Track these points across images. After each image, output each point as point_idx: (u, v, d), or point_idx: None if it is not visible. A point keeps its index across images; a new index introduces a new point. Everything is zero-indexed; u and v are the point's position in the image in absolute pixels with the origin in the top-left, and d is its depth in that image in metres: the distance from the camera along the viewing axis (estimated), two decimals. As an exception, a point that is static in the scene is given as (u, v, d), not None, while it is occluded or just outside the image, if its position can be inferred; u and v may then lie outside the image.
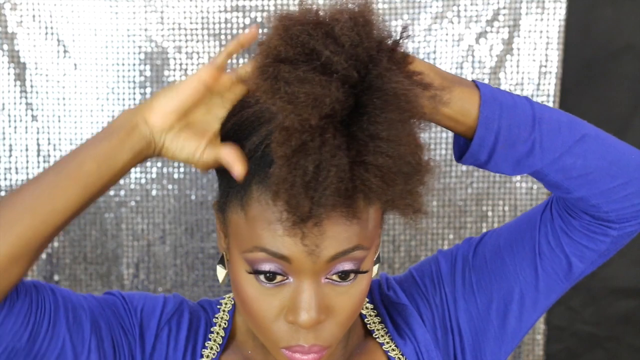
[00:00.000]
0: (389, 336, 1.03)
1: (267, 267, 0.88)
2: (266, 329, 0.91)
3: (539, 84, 2.29)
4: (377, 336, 1.04)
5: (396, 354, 1.02)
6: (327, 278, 0.89)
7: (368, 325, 1.05)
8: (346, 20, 0.83)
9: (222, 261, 1.00)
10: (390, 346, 1.03)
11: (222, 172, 0.92)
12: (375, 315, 1.05)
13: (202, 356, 1.02)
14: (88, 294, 1.02)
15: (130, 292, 1.05)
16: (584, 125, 0.94)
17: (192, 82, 0.88)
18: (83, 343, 0.96)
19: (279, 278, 0.88)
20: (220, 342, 1.02)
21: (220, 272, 1.00)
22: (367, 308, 1.06)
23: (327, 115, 0.80)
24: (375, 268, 0.98)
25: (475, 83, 0.92)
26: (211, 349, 1.02)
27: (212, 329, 1.03)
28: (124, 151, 0.89)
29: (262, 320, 0.91)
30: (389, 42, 0.85)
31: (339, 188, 0.81)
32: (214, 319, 1.04)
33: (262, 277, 0.89)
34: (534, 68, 2.28)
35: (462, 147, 0.94)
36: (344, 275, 0.89)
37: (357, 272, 0.89)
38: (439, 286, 1.04)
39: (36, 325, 0.92)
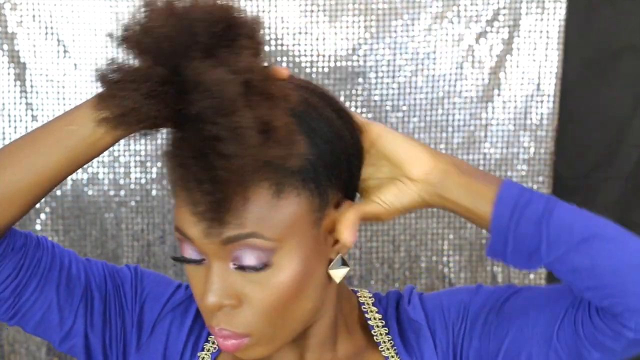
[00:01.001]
0: (394, 350, 1.03)
1: (187, 250, 0.91)
2: (200, 308, 0.94)
3: (539, 84, 2.29)
4: (382, 349, 1.03)
5: None
6: (235, 264, 0.90)
7: (375, 338, 1.04)
8: (162, 16, 0.86)
9: None
10: None
11: None
12: (383, 326, 1.04)
13: (202, 349, 1.03)
14: (102, 261, 1.06)
15: (150, 271, 1.08)
16: (600, 225, 0.93)
17: None
18: (70, 308, 1.00)
19: (202, 259, 0.91)
20: None
21: None
22: (375, 319, 1.05)
23: (139, 122, 0.86)
24: (341, 272, 0.96)
25: (504, 180, 0.94)
26: (213, 343, 1.03)
27: None
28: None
29: (196, 298, 0.94)
30: (211, 32, 0.85)
31: (201, 181, 0.84)
32: None
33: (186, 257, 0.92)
34: (534, 68, 2.28)
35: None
36: (248, 262, 0.90)
37: (262, 267, 0.89)
38: (463, 319, 1.03)
39: (23, 281, 0.96)
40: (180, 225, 0.90)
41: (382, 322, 1.04)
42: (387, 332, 1.04)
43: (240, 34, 0.86)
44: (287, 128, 0.85)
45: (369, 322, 1.04)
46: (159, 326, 1.04)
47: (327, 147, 0.91)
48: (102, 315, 1.02)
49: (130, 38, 0.87)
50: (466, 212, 0.93)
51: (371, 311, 1.05)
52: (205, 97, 0.82)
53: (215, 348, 1.03)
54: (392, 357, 1.02)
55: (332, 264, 0.96)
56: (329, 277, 0.96)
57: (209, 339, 1.03)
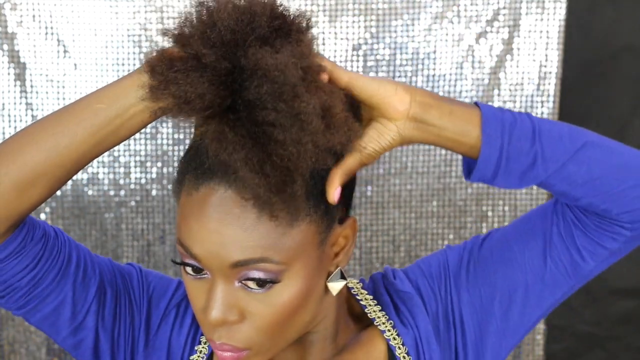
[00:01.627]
0: (390, 324, 1.04)
1: (187, 260, 0.92)
2: (197, 318, 0.95)
3: (539, 84, 2.29)
4: (378, 324, 1.04)
5: (397, 343, 1.03)
6: (240, 282, 0.91)
7: (369, 314, 1.06)
8: (225, 10, 0.86)
9: None
10: (392, 334, 1.04)
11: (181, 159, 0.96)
12: (376, 304, 1.06)
13: (200, 342, 1.05)
14: (108, 258, 1.06)
15: (150, 270, 1.09)
16: (586, 133, 0.95)
17: None
18: (84, 303, 1.00)
19: (203, 272, 0.92)
20: None
21: None
22: (366, 299, 1.07)
23: (206, 109, 0.85)
24: (338, 284, 0.98)
25: (476, 104, 0.95)
26: None
27: None
28: (133, 95, 0.90)
29: (194, 308, 0.95)
30: (269, 25, 0.86)
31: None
32: None
33: (188, 268, 0.93)
34: (534, 68, 2.28)
35: (470, 166, 0.97)
36: (261, 283, 0.90)
37: (266, 281, 0.90)
38: (445, 279, 1.05)
39: (42, 273, 0.96)
40: (185, 241, 0.91)
41: (373, 302, 1.06)
42: (380, 308, 1.06)
43: (294, 29, 0.88)
44: (345, 115, 0.87)
45: (361, 302, 1.07)
46: (164, 322, 1.05)
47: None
48: (113, 312, 1.03)
49: (192, 31, 0.88)
50: (451, 140, 0.93)
51: (361, 293, 1.07)
52: (264, 82, 0.83)
53: None
54: (389, 330, 1.04)
55: (331, 276, 0.97)
56: (326, 288, 0.98)
57: None
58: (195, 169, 0.90)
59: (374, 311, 1.06)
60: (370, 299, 1.07)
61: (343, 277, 0.98)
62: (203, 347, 1.04)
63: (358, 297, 1.07)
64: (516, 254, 1.02)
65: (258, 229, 0.88)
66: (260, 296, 0.91)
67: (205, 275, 0.92)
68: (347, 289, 1.07)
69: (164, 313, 1.06)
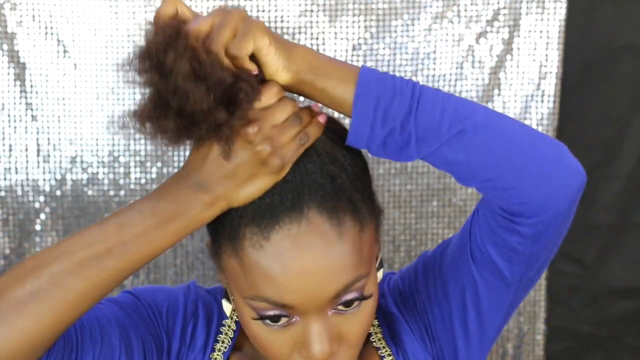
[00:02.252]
0: (385, 341, 1.04)
1: (271, 312, 0.88)
2: None
3: (539, 84, 2.29)
4: (373, 340, 1.04)
5: None
6: (333, 309, 0.89)
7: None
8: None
9: (226, 295, 1.00)
10: (387, 351, 1.03)
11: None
12: (375, 318, 1.05)
13: (213, 350, 1.02)
14: (109, 299, 1.00)
15: (147, 288, 1.04)
16: (472, 114, 0.88)
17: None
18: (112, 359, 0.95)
19: (284, 319, 0.89)
20: (232, 336, 1.03)
21: (227, 307, 1.00)
22: None
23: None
24: (380, 273, 0.98)
25: (359, 70, 0.89)
26: (222, 342, 1.02)
27: (224, 322, 1.03)
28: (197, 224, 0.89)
29: (275, 356, 0.92)
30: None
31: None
32: (231, 319, 1.04)
33: (268, 320, 0.89)
34: (534, 68, 2.28)
35: None
36: (346, 304, 0.89)
37: (361, 299, 0.90)
38: (417, 295, 1.05)
39: (68, 356, 0.91)
40: (270, 296, 0.87)
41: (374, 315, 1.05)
42: (377, 324, 1.05)
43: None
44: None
45: None
46: (182, 342, 1.02)
47: (367, 168, 0.93)
48: (142, 353, 0.98)
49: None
50: (328, 105, 0.89)
51: None
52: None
53: (226, 347, 1.02)
54: (384, 347, 1.03)
55: (376, 267, 0.97)
56: None
57: (218, 338, 1.03)
58: (254, 219, 0.86)
59: (372, 326, 1.05)
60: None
61: (382, 263, 0.99)
62: (218, 355, 1.02)
63: None
64: (460, 271, 1.00)
65: (344, 249, 0.86)
66: (353, 314, 0.90)
67: (294, 320, 0.89)
68: None
69: (181, 335, 1.02)
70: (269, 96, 0.86)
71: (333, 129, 0.94)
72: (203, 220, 0.88)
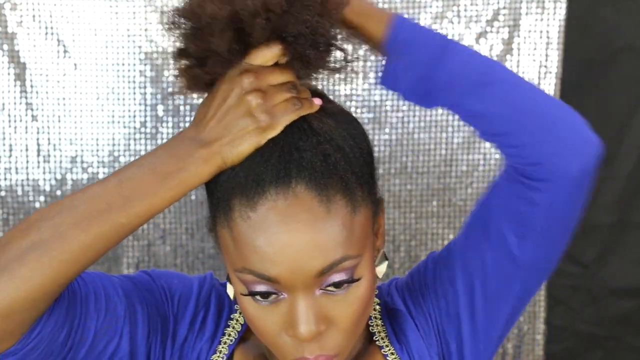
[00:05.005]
0: (388, 340, 1.03)
1: (259, 287, 0.89)
2: (273, 343, 0.92)
3: (539, 84, 2.29)
4: (377, 339, 1.04)
5: (394, 358, 1.02)
6: (321, 289, 0.89)
7: (370, 328, 1.05)
8: None
9: (229, 278, 1.00)
10: (390, 349, 1.03)
11: (208, 189, 0.93)
12: (379, 318, 1.05)
13: (220, 343, 1.03)
14: (124, 275, 1.02)
15: (164, 272, 1.05)
16: (496, 71, 0.92)
17: None
18: (115, 330, 0.96)
19: (273, 296, 0.89)
20: (239, 330, 1.03)
21: (230, 290, 1.00)
22: (375, 310, 1.06)
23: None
24: (383, 267, 0.98)
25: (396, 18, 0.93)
26: (229, 335, 1.03)
27: (232, 316, 1.04)
28: (197, 179, 0.90)
29: (267, 336, 0.92)
30: None
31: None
32: (235, 306, 1.05)
33: (257, 296, 0.90)
34: (534, 68, 2.28)
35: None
36: (336, 284, 0.89)
37: (350, 281, 0.90)
38: (427, 292, 1.04)
39: (71, 323, 0.92)
40: (256, 267, 0.88)
41: (379, 314, 1.05)
42: (382, 323, 1.05)
43: None
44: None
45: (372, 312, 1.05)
46: (190, 333, 1.03)
47: (370, 156, 0.94)
48: (146, 328, 0.99)
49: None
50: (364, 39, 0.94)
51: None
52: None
53: (232, 340, 1.03)
54: (387, 346, 1.03)
55: (377, 260, 0.97)
56: None
57: (226, 331, 1.03)
58: (244, 190, 0.88)
59: (377, 325, 1.05)
60: (378, 311, 1.06)
61: (385, 257, 0.98)
62: (223, 347, 1.02)
63: None
64: (468, 255, 1.00)
65: (331, 226, 0.87)
66: (341, 297, 0.90)
67: (281, 297, 0.89)
68: None
69: (190, 322, 1.03)
70: (269, 55, 0.89)
71: (335, 111, 0.95)
72: (200, 177, 0.89)
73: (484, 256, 0.98)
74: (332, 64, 0.93)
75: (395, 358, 1.02)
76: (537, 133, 0.90)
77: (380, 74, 0.93)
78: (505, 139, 0.92)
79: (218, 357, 1.02)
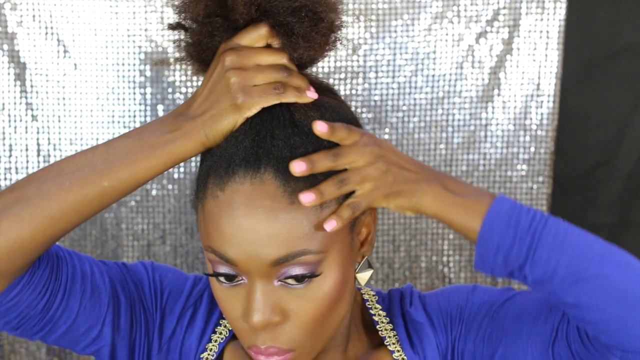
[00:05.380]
0: (400, 345, 1.03)
1: (222, 269, 0.89)
2: (234, 327, 0.93)
3: (539, 84, 2.29)
4: (388, 344, 1.03)
5: None
6: (280, 281, 0.89)
7: (380, 333, 1.04)
8: None
9: None
10: (401, 354, 1.02)
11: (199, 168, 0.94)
12: (388, 323, 1.04)
13: (210, 341, 1.03)
14: (120, 262, 1.03)
15: (161, 266, 1.06)
16: (586, 269, 0.88)
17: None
18: (98, 317, 0.97)
19: (236, 279, 0.90)
20: (230, 328, 1.03)
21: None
22: (379, 315, 1.05)
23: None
24: (367, 274, 0.97)
25: (493, 198, 0.90)
26: (220, 333, 1.03)
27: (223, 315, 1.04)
28: (183, 153, 0.91)
29: (230, 319, 0.93)
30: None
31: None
32: None
33: (221, 278, 0.90)
34: (534, 68, 2.28)
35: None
36: (299, 278, 0.89)
37: (310, 276, 0.89)
38: (459, 322, 1.03)
39: (52, 295, 0.94)
40: (217, 247, 0.89)
41: (386, 319, 1.04)
42: (392, 327, 1.04)
43: None
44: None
45: (374, 317, 1.04)
46: (179, 326, 1.03)
47: None
48: (129, 320, 1.00)
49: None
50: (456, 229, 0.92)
51: (375, 308, 1.05)
52: None
53: (222, 338, 1.03)
54: (398, 351, 1.02)
55: (359, 266, 0.96)
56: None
57: (216, 329, 1.03)
58: (217, 169, 0.89)
59: (386, 329, 1.04)
60: (384, 316, 1.05)
61: (370, 266, 0.97)
62: (213, 345, 1.03)
63: (371, 312, 1.05)
64: (523, 333, 0.99)
65: (293, 218, 0.87)
66: (301, 292, 0.89)
67: (241, 281, 0.90)
68: (361, 298, 1.06)
69: (179, 317, 1.03)
70: (255, 35, 0.90)
71: (328, 108, 0.94)
72: (184, 151, 0.90)
73: (545, 352, 0.97)
74: (325, 43, 0.92)
75: None
76: (630, 321, 0.88)
77: (475, 259, 0.91)
78: (597, 327, 0.90)
79: (208, 354, 1.02)
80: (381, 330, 1.04)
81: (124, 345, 1.00)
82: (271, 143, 0.88)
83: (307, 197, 0.86)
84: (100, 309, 0.97)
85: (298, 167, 0.86)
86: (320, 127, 0.87)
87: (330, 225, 0.87)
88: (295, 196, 0.86)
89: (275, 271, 0.88)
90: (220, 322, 1.03)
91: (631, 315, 0.88)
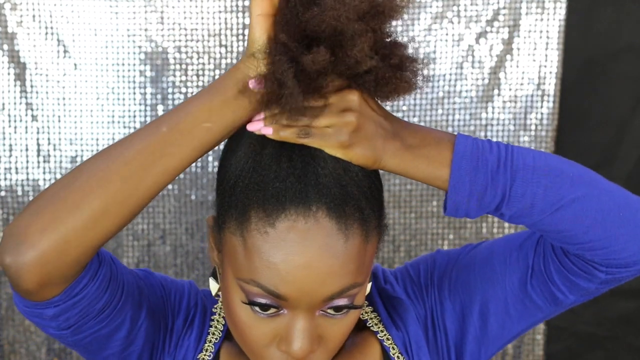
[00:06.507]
0: (382, 325, 1.04)
1: (261, 300, 0.89)
2: (258, 354, 0.93)
3: (539, 84, 2.29)
4: (370, 325, 1.04)
5: (390, 343, 1.03)
6: (322, 311, 0.90)
7: (361, 316, 1.05)
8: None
9: (214, 274, 1.01)
10: (385, 334, 1.04)
11: (220, 187, 0.93)
12: (367, 305, 1.06)
13: (205, 341, 1.03)
14: (141, 271, 1.02)
15: (160, 275, 1.06)
16: (562, 197, 0.90)
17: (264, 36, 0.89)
18: (137, 322, 0.97)
19: (272, 310, 0.90)
20: (222, 329, 1.04)
21: (214, 287, 1.00)
22: None
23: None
24: (368, 287, 0.99)
25: (454, 141, 0.91)
26: (213, 334, 1.04)
27: (212, 317, 1.05)
28: (241, 109, 0.88)
29: (254, 346, 0.92)
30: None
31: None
32: (212, 309, 1.06)
33: (257, 307, 0.90)
34: (534, 68, 2.28)
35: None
36: (336, 309, 0.90)
37: (351, 307, 0.90)
38: (430, 286, 1.05)
39: (112, 295, 0.92)
40: (266, 283, 0.87)
41: (365, 302, 1.05)
42: (372, 309, 1.06)
43: None
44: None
45: None
46: (184, 334, 1.03)
47: (380, 185, 0.94)
48: (156, 326, 1.00)
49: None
50: (420, 179, 0.92)
51: None
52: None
53: (217, 339, 1.03)
54: (382, 330, 1.04)
55: None
56: None
57: (209, 330, 1.04)
58: (261, 203, 0.87)
59: (366, 312, 1.06)
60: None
61: (370, 278, 0.99)
62: (209, 345, 1.03)
63: None
64: (497, 274, 1.01)
65: (347, 254, 0.87)
66: (337, 320, 0.91)
67: (281, 312, 0.90)
68: None
69: (184, 320, 1.04)
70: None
71: None
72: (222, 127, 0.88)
73: (523, 288, 1.00)
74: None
75: (391, 343, 1.03)
76: (615, 240, 0.92)
77: (443, 206, 0.93)
78: (579, 246, 0.93)
79: (204, 355, 1.03)
80: (362, 314, 1.05)
81: (147, 350, 1.01)
82: (316, 180, 0.87)
83: (260, 128, 0.87)
84: (141, 315, 0.97)
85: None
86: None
87: (255, 126, 0.88)
88: (349, 232, 0.87)
89: (324, 304, 0.89)
90: (211, 324, 1.04)
91: (612, 231, 0.91)
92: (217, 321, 1.05)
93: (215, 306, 1.06)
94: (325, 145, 0.88)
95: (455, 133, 0.93)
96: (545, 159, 0.91)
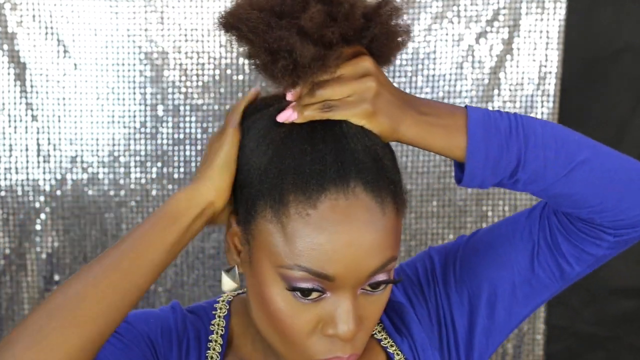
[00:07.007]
0: (386, 332, 1.04)
1: (305, 284, 0.88)
2: (300, 343, 0.91)
3: (539, 84, 2.29)
4: (373, 333, 1.04)
5: (394, 350, 1.03)
6: (362, 289, 0.90)
7: None
8: None
9: (228, 271, 0.98)
10: (389, 342, 1.03)
11: (245, 180, 0.92)
12: None
13: (206, 358, 1.00)
14: (115, 339, 0.99)
15: (138, 315, 1.02)
16: (573, 157, 0.94)
17: (233, 151, 0.92)
18: None
19: (315, 294, 0.89)
20: (220, 350, 1.01)
21: (229, 284, 0.98)
22: None
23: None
24: None
25: (466, 110, 0.93)
26: (214, 349, 1.00)
27: (210, 337, 1.01)
28: (192, 233, 0.92)
29: (297, 335, 0.90)
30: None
31: None
32: (210, 327, 1.02)
33: (298, 292, 0.89)
34: (534, 68, 2.28)
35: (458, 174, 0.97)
36: (375, 285, 0.90)
37: (389, 282, 0.91)
38: (433, 284, 1.05)
39: None
40: (312, 264, 0.87)
41: None
42: None
43: None
44: None
45: None
46: (180, 357, 1.00)
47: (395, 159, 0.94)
48: None
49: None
50: (437, 152, 0.94)
51: None
52: None
53: (217, 355, 1.00)
54: (385, 338, 1.03)
55: None
56: None
57: (207, 354, 1.00)
58: (299, 186, 0.87)
59: None
60: None
61: None
62: (213, 353, 1.00)
63: None
64: (502, 257, 1.02)
65: (385, 227, 0.88)
66: (376, 297, 0.91)
67: (324, 296, 0.89)
68: None
69: (178, 353, 1.00)
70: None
71: None
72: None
73: (530, 267, 1.01)
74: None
75: (395, 350, 1.03)
76: (622, 201, 0.94)
77: (455, 176, 0.95)
78: (590, 209, 0.95)
79: None
80: None
81: None
82: (352, 156, 0.88)
83: (289, 115, 0.89)
84: None
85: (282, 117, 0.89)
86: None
87: (284, 116, 0.90)
88: (385, 206, 0.88)
89: (367, 280, 0.89)
90: (209, 346, 1.00)
91: (621, 190, 0.94)
92: (215, 341, 1.01)
93: (212, 322, 1.02)
94: (350, 115, 0.88)
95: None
96: (551, 126, 0.95)
